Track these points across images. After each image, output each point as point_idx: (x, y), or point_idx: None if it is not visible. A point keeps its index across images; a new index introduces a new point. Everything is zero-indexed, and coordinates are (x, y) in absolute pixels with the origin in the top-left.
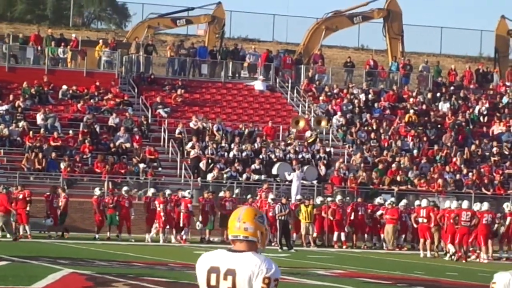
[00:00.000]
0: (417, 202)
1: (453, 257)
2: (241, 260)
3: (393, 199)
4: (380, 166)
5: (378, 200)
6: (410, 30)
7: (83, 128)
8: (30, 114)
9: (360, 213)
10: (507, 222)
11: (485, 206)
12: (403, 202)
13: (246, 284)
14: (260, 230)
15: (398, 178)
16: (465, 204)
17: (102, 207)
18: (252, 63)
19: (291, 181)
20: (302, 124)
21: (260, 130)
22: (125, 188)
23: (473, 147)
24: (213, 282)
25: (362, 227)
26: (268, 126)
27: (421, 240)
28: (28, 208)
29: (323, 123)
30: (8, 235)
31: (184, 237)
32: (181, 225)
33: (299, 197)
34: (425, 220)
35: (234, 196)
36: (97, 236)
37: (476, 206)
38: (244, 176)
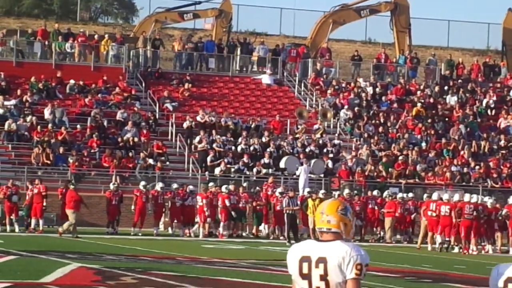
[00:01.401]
0: (425, 196)
1: (441, 247)
2: (330, 248)
3: (395, 191)
4: (384, 160)
5: (374, 193)
6: (418, 23)
7: (90, 122)
8: (37, 108)
9: (370, 206)
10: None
11: (467, 197)
12: (400, 195)
13: (338, 270)
14: (343, 221)
15: (406, 172)
16: (466, 197)
17: (116, 202)
18: (261, 56)
19: (298, 175)
20: (305, 114)
21: (266, 123)
22: (142, 183)
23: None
24: (305, 271)
25: (371, 220)
26: (276, 120)
27: (429, 234)
28: (44, 203)
29: (329, 115)
30: (65, 228)
31: (221, 231)
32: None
33: (308, 189)
34: (434, 214)
35: (241, 190)
36: (108, 230)
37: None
38: (255, 170)
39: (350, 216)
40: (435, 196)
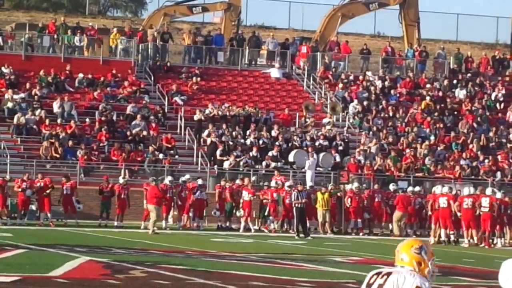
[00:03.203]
0: (435, 189)
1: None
2: (399, 269)
3: (404, 185)
4: (393, 154)
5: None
6: (427, 17)
7: (99, 116)
8: (46, 102)
9: (377, 200)
10: None
11: (466, 191)
12: (410, 188)
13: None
14: (416, 260)
15: (415, 166)
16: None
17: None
18: (270, 50)
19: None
20: (312, 108)
21: (274, 117)
22: (169, 178)
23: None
24: (371, 281)
25: (379, 214)
26: (285, 114)
27: (432, 227)
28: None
29: (338, 109)
30: (152, 227)
31: (272, 226)
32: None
33: (310, 184)
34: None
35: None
36: (115, 223)
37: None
38: (264, 163)
39: (424, 255)
40: (439, 189)
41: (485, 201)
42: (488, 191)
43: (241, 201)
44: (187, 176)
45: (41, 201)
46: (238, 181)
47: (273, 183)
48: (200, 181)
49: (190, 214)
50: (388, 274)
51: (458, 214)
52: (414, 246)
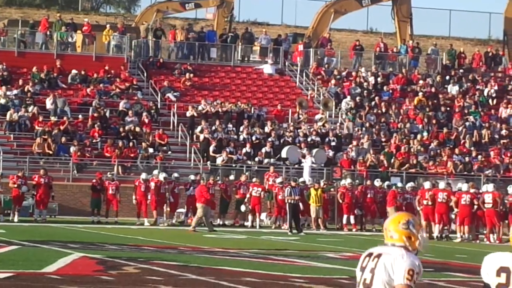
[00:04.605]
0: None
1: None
2: (389, 249)
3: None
4: (386, 149)
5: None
6: (419, 13)
7: (92, 112)
8: (39, 98)
9: (369, 196)
10: None
11: (465, 187)
12: (400, 184)
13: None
14: (405, 235)
15: (408, 161)
16: (464, 187)
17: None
18: (263, 46)
19: (301, 164)
20: (305, 104)
21: (267, 113)
22: (143, 175)
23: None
24: (364, 264)
25: (370, 210)
26: (278, 109)
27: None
28: (53, 194)
29: (330, 105)
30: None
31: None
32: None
33: (302, 179)
34: (430, 203)
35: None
36: (107, 219)
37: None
38: (257, 159)
39: (413, 228)
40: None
41: (488, 197)
42: (490, 187)
43: (248, 196)
44: (175, 174)
45: (39, 198)
46: (231, 177)
47: (279, 180)
48: (192, 177)
49: (183, 210)
50: (379, 256)
51: (455, 210)
52: (401, 222)
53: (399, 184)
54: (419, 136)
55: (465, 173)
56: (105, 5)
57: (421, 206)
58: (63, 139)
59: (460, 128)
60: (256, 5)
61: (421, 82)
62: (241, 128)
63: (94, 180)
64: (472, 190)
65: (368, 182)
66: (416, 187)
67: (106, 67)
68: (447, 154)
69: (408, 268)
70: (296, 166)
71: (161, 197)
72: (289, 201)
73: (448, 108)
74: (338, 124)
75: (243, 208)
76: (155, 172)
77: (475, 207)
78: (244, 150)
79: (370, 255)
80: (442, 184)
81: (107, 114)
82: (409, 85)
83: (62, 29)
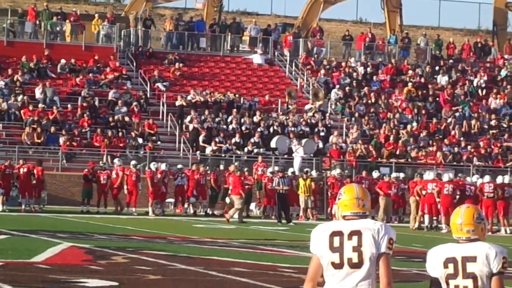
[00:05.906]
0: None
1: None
2: (361, 223)
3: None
4: (375, 139)
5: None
6: (409, 3)
7: (81, 102)
8: (28, 88)
9: (363, 186)
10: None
11: (446, 177)
12: (394, 175)
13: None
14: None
15: (397, 151)
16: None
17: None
18: (252, 36)
19: (290, 155)
20: (294, 94)
21: (257, 102)
22: (133, 162)
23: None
24: (336, 244)
25: None
26: (266, 100)
27: (419, 213)
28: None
29: (320, 95)
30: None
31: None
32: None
33: (291, 170)
34: (423, 192)
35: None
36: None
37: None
38: (246, 149)
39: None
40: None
41: (488, 187)
42: (487, 178)
43: (230, 187)
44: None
45: (22, 188)
46: (221, 167)
47: (269, 170)
48: (179, 166)
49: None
50: (357, 233)
51: (437, 200)
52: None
53: (394, 175)
54: (408, 127)
55: (455, 163)
56: None
57: (416, 196)
58: (52, 129)
59: (449, 119)
60: None
61: (410, 72)
62: (230, 118)
63: (86, 170)
64: (455, 179)
65: (364, 173)
66: (405, 178)
67: (96, 57)
68: (437, 144)
69: (389, 237)
70: (286, 156)
71: (155, 187)
72: (278, 191)
73: (437, 99)
74: (328, 114)
75: (227, 200)
76: (153, 163)
77: (457, 197)
78: (233, 140)
79: (338, 233)
80: (431, 175)
81: (96, 103)
82: (399, 76)
83: (53, 18)
